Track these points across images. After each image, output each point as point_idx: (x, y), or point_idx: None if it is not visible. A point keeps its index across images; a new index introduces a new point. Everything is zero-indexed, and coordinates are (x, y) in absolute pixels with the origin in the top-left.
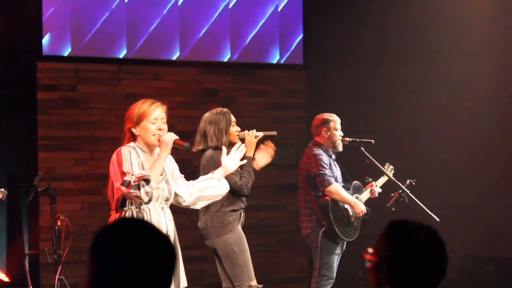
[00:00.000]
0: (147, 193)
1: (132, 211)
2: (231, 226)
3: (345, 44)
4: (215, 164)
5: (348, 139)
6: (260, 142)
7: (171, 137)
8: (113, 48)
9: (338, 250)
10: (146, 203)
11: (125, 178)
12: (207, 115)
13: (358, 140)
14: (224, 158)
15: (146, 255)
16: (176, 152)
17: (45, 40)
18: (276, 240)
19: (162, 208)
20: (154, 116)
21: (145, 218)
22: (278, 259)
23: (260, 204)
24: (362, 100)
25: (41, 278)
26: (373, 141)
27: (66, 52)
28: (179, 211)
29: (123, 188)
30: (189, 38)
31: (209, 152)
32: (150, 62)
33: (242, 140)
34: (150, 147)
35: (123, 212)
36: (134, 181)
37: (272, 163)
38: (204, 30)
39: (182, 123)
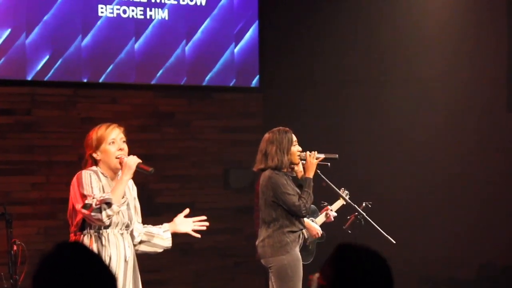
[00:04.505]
0: (108, 216)
1: (91, 235)
2: (288, 247)
3: (301, 66)
4: (273, 185)
5: (303, 161)
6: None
7: (134, 160)
8: (69, 72)
9: None
10: (106, 227)
11: (86, 201)
12: (268, 135)
13: None
14: (179, 218)
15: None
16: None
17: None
18: (233, 263)
19: (122, 234)
20: (112, 137)
21: (103, 242)
22: (235, 282)
23: (217, 227)
24: (318, 123)
25: None
26: (329, 164)
27: (21, 76)
28: None
29: (84, 211)
30: (145, 61)
31: (267, 173)
32: (106, 85)
33: (303, 161)
34: (112, 171)
35: (82, 236)
36: (96, 204)
37: (229, 186)
38: (159, 53)
39: (138, 146)
